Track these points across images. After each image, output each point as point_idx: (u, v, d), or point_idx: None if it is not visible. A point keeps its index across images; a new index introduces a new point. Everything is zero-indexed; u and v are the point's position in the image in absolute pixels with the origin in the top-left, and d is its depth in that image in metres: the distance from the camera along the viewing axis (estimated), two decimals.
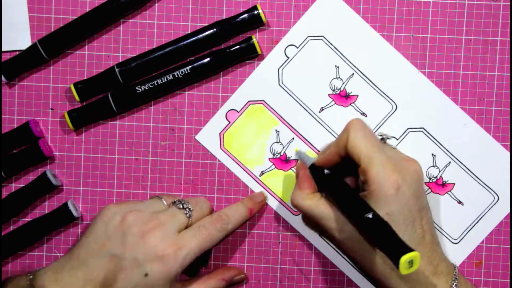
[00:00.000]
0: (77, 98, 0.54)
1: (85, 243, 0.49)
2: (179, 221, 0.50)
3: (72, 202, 0.55)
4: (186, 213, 0.50)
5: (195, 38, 0.54)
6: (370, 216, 0.44)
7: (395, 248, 0.41)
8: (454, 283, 0.48)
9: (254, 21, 0.53)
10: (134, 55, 0.55)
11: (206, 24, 0.54)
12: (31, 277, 0.49)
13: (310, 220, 0.54)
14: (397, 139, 0.55)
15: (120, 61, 0.55)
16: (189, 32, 0.54)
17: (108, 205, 0.51)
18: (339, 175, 0.50)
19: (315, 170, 0.51)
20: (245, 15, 0.53)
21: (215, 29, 0.53)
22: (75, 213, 0.54)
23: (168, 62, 0.54)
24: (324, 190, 0.51)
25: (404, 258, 0.40)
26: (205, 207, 0.53)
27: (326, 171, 0.50)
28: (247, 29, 0.54)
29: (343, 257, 0.55)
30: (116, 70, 0.54)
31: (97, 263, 0.48)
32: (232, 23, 0.53)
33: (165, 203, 0.52)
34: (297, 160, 0.55)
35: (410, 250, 0.40)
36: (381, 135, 0.52)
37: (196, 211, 0.51)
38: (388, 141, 0.52)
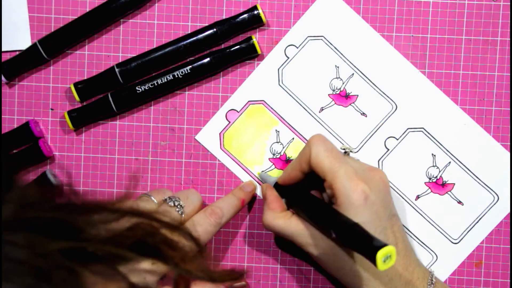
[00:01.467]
0: (77, 98, 0.54)
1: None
2: (172, 220, 0.49)
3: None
4: (178, 210, 0.49)
5: (195, 38, 0.54)
6: (342, 220, 0.44)
7: (370, 246, 0.41)
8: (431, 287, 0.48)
9: (254, 21, 0.53)
10: (134, 55, 0.55)
11: (206, 24, 0.54)
12: None
13: (283, 240, 0.54)
14: (397, 139, 0.55)
15: (120, 61, 0.55)
16: (189, 32, 0.54)
17: None
18: (305, 189, 0.50)
19: (280, 188, 0.51)
20: (245, 15, 0.53)
21: (215, 29, 0.53)
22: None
23: (168, 62, 0.54)
24: (292, 206, 0.51)
25: (381, 253, 0.40)
26: (196, 200, 0.51)
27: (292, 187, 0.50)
28: (247, 29, 0.54)
29: None
30: (116, 70, 0.53)
31: None
32: (232, 23, 0.53)
33: (155, 201, 0.50)
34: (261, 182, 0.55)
35: (384, 245, 0.40)
36: (343, 149, 0.53)
37: (187, 206, 0.50)
38: (351, 154, 0.53)
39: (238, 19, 0.53)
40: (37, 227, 0.32)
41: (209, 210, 0.51)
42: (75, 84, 0.54)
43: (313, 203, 0.49)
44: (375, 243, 0.41)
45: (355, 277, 0.48)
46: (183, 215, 0.50)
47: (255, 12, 0.53)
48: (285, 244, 0.55)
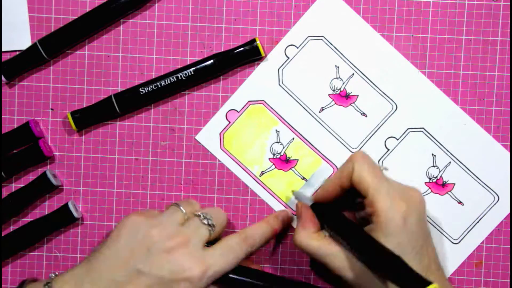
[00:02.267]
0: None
1: (107, 255, 0.47)
2: (202, 236, 0.49)
3: (72, 203, 0.55)
4: (210, 230, 0.49)
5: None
6: (382, 247, 0.43)
7: (411, 281, 0.40)
8: None
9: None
10: (135, 55, 0.55)
11: (207, 25, 0.54)
12: (48, 284, 0.47)
13: (318, 264, 0.51)
14: (397, 139, 0.55)
15: (120, 62, 0.55)
16: (189, 32, 0.54)
17: (129, 216, 0.49)
18: (340, 212, 0.49)
19: (315, 207, 0.51)
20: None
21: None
22: (75, 214, 0.54)
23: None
24: (327, 227, 0.49)
25: None
26: (224, 222, 0.51)
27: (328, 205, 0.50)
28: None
29: None
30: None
31: (121, 279, 0.46)
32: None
33: (184, 211, 0.50)
34: (294, 199, 0.54)
35: (427, 282, 0.40)
36: (382, 167, 0.52)
37: (217, 226, 0.50)
38: (384, 171, 0.52)
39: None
40: None
41: (243, 236, 0.50)
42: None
43: (348, 224, 0.47)
44: (418, 280, 0.40)
45: None
46: (212, 235, 0.49)
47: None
48: (318, 268, 0.54)
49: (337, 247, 0.48)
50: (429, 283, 0.40)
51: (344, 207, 0.51)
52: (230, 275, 0.49)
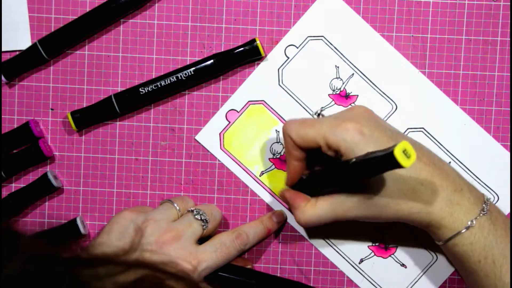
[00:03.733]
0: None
1: (99, 251, 0.47)
2: (195, 232, 0.49)
3: (81, 219, 0.55)
4: (203, 225, 0.50)
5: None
6: (354, 160, 0.43)
7: (385, 156, 0.40)
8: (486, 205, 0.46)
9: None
10: (135, 55, 0.55)
11: (207, 25, 0.54)
12: None
13: (321, 228, 0.52)
14: None
15: (120, 62, 0.55)
16: (189, 32, 0.54)
17: (122, 211, 0.50)
18: (312, 171, 0.50)
19: (294, 187, 0.51)
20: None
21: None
22: (82, 230, 0.54)
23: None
24: (314, 191, 0.50)
25: (396, 151, 0.38)
26: (218, 218, 0.52)
27: (303, 177, 0.50)
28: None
29: (343, 257, 0.55)
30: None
31: None
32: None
33: (178, 208, 0.51)
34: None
35: (394, 145, 0.39)
36: (316, 113, 0.52)
37: (210, 222, 0.51)
38: (324, 112, 0.52)
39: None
40: (42, 281, 0.32)
41: (236, 233, 0.51)
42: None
43: (324, 172, 0.48)
44: (388, 149, 0.39)
45: (398, 209, 0.46)
46: (205, 231, 0.50)
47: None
48: (315, 231, 0.55)
49: (331, 199, 0.47)
50: (394, 145, 0.39)
51: (316, 165, 0.51)
52: (222, 273, 0.50)
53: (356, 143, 0.45)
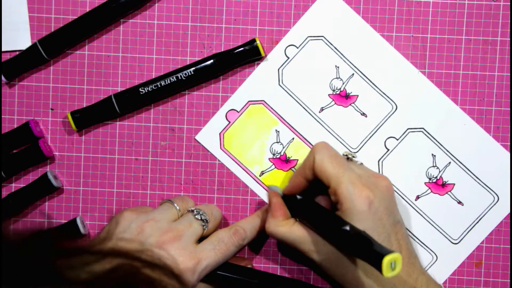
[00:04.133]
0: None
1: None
2: (195, 232, 0.49)
3: (81, 219, 0.55)
4: (203, 225, 0.50)
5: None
6: (347, 228, 0.44)
7: (375, 253, 0.41)
8: None
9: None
10: (135, 55, 0.55)
11: (207, 25, 0.54)
12: None
13: (286, 247, 0.54)
14: (397, 139, 0.55)
15: (120, 62, 0.55)
16: (189, 32, 0.54)
17: (122, 211, 0.50)
18: (310, 198, 0.50)
19: (286, 198, 0.51)
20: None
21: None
22: (82, 230, 0.54)
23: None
24: (297, 214, 0.51)
25: (387, 259, 0.40)
26: (218, 217, 0.52)
27: (298, 196, 0.50)
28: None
29: None
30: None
31: None
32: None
33: (178, 208, 0.51)
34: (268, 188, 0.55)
35: (390, 252, 0.40)
36: (345, 155, 0.52)
37: (211, 222, 0.51)
38: (354, 159, 0.52)
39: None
40: (12, 271, 0.31)
41: (233, 229, 0.51)
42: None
43: (317, 210, 0.48)
44: (381, 250, 0.41)
45: (358, 283, 0.47)
46: (205, 231, 0.50)
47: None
48: (287, 251, 0.55)
49: (305, 232, 0.48)
50: (391, 251, 0.40)
51: (319, 193, 0.51)
52: (223, 273, 0.50)
53: (359, 211, 0.46)
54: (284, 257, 0.55)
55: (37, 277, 0.32)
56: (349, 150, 0.54)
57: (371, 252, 0.41)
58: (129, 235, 0.47)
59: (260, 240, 0.55)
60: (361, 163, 0.53)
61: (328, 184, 0.47)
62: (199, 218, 0.50)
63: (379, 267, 0.40)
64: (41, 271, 0.32)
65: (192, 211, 0.50)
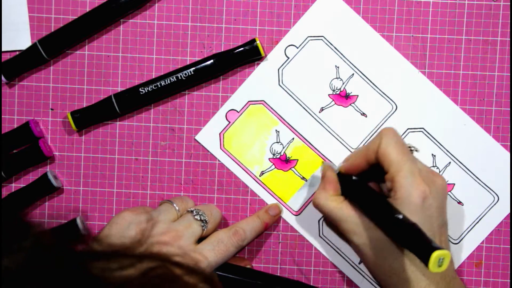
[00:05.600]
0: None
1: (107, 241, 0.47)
2: (195, 232, 0.49)
3: (81, 219, 0.55)
4: (203, 226, 0.50)
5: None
6: (400, 216, 0.44)
7: (426, 245, 0.41)
8: None
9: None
10: (135, 55, 0.55)
11: (207, 25, 0.54)
12: None
13: (331, 223, 0.53)
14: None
15: (120, 62, 0.55)
16: (189, 32, 0.54)
17: (121, 212, 0.49)
18: (365, 181, 0.50)
19: (341, 176, 0.51)
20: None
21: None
22: (82, 230, 0.54)
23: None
24: (350, 195, 0.50)
25: (436, 254, 0.39)
26: (218, 218, 0.52)
27: (354, 177, 0.50)
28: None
29: (343, 257, 0.55)
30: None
31: None
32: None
33: (177, 208, 0.51)
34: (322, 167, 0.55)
35: (441, 248, 0.40)
36: (409, 146, 0.51)
37: (210, 223, 0.51)
38: (415, 153, 0.52)
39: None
40: (50, 275, 0.31)
41: (233, 230, 0.51)
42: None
43: (371, 193, 0.48)
44: (433, 244, 0.40)
45: (392, 275, 0.47)
46: (204, 231, 0.50)
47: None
48: (333, 228, 0.55)
49: (352, 212, 0.48)
50: (441, 248, 0.40)
51: (372, 179, 0.51)
52: (226, 274, 0.50)
53: (413, 203, 0.45)
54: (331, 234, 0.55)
55: (74, 280, 0.32)
56: (413, 144, 0.53)
57: (421, 244, 0.41)
58: (128, 235, 0.47)
59: (260, 240, 0.55)
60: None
61: (387, 170, 0.47)
62: (198, 218, 0.50)
63: (426, 261, 0.40)
64: (77, 274, 0.32)
65: (192, 211, 0.50)
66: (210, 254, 0.48)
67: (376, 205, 0.47)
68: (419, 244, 0.41)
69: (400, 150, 0.47)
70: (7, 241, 0.31)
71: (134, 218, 0.48)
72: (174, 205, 0.51)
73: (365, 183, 0.50)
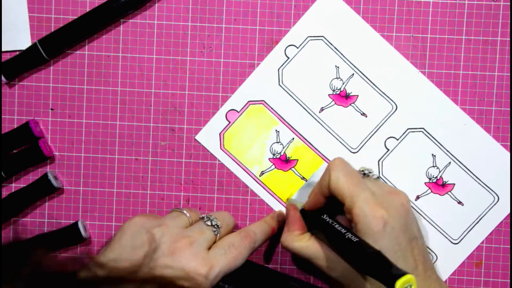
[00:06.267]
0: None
1: (110, 258, 0.46)
2: (207, 238, 0.49)
3: (82, 223, 0.55)
4: (215, 231, 0.49)
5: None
6: (367, 249, 0.43)
7: (390, 275, 0.41)
8: None
9: None
10: (134, 54, 0.55)
11: (207, 25, 0.54)
12: None
13: (301, 260, 0.53)
14: (397, 139, 0.55)
15: (120, 62, 0.55)
16: (189, 32, 0.54)
17: (133, 218, 0.49)
18: (330, 213, 0.50)
19: (305, 212, 0.51)
20: None
21: None
22: (84, 234, 0.54)
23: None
24: (315, 230, 0.50)
25: (400, 282, 0.39)
26: (231, 223, 0.52)
27: (317, 212, 0.50)
28: None
29: None
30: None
31: None
32: None
33: (188, 215, 0.50)
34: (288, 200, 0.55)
35: (404, 273, 0.40)
36: (361, 170, 0.51)
37: (223, 228, 0.50)
38: (370, 174, 0.51)
39: None
40: None
41: (243, 233, 0.50)
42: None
43: (333, 227, 0.48)
44: (394, 272, 0.40)
45: None
46: (217, 237, 0.50)
47: None
48: (302, 264, 0.55)
49: (320, 249, 0.48)
50: (405, 273, 0.40)
51: (338, 210, 0.50)
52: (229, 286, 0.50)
53: (375, 231, 0.45)
54: (301, 270, 0.55)
55: None
56: (366, 167, 0.54)
57: (385, 274, 0.41)
58: (140, 241, 0.47)
59: None
60: (378, 177, 0.53)
61: (343, 203, 0.47)
62: (210, 224, 0.49)
63: None
64: None
65: (203, 217, 0.50)
66: (222, 258, 0.48)
67: (338, 238, 0.46)
68: (383, 274, 0.41)
69: (350, 181, 0.47)
70: (6, 268, 0.30)
71: (147, 224, 0.48)
72: (185, 212, 0.50)
73: (329, 216, 0.49)
